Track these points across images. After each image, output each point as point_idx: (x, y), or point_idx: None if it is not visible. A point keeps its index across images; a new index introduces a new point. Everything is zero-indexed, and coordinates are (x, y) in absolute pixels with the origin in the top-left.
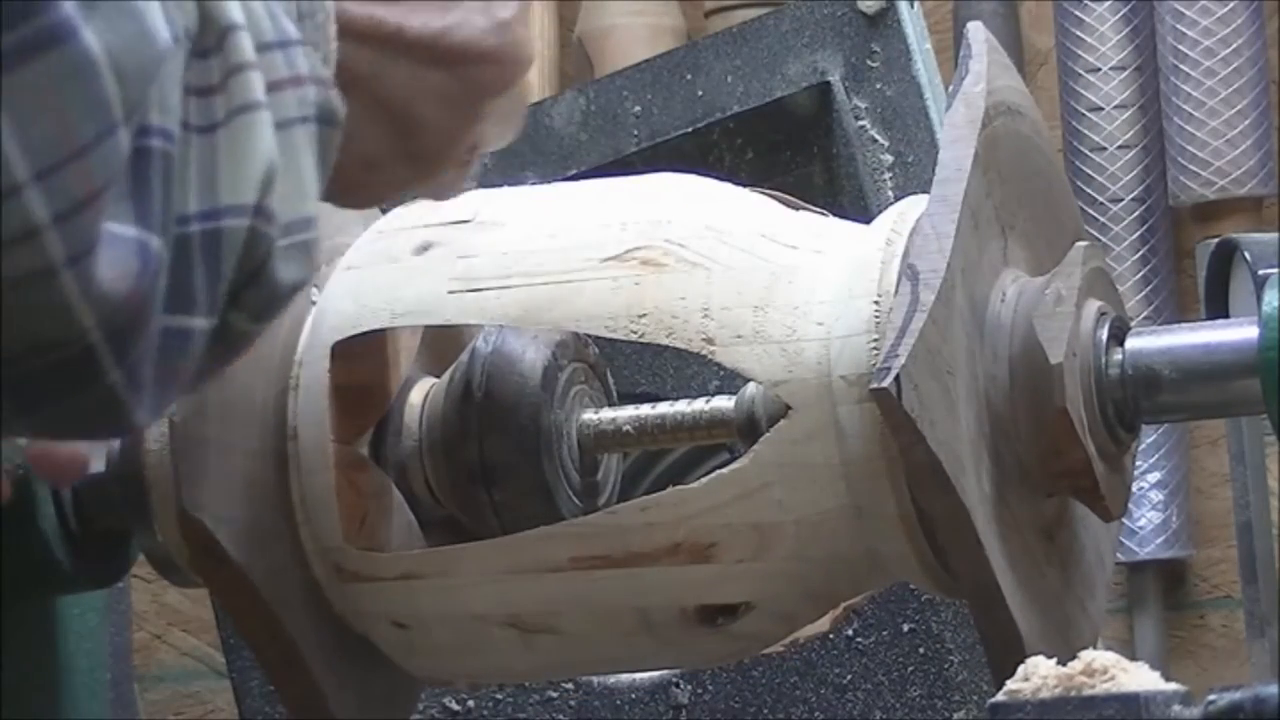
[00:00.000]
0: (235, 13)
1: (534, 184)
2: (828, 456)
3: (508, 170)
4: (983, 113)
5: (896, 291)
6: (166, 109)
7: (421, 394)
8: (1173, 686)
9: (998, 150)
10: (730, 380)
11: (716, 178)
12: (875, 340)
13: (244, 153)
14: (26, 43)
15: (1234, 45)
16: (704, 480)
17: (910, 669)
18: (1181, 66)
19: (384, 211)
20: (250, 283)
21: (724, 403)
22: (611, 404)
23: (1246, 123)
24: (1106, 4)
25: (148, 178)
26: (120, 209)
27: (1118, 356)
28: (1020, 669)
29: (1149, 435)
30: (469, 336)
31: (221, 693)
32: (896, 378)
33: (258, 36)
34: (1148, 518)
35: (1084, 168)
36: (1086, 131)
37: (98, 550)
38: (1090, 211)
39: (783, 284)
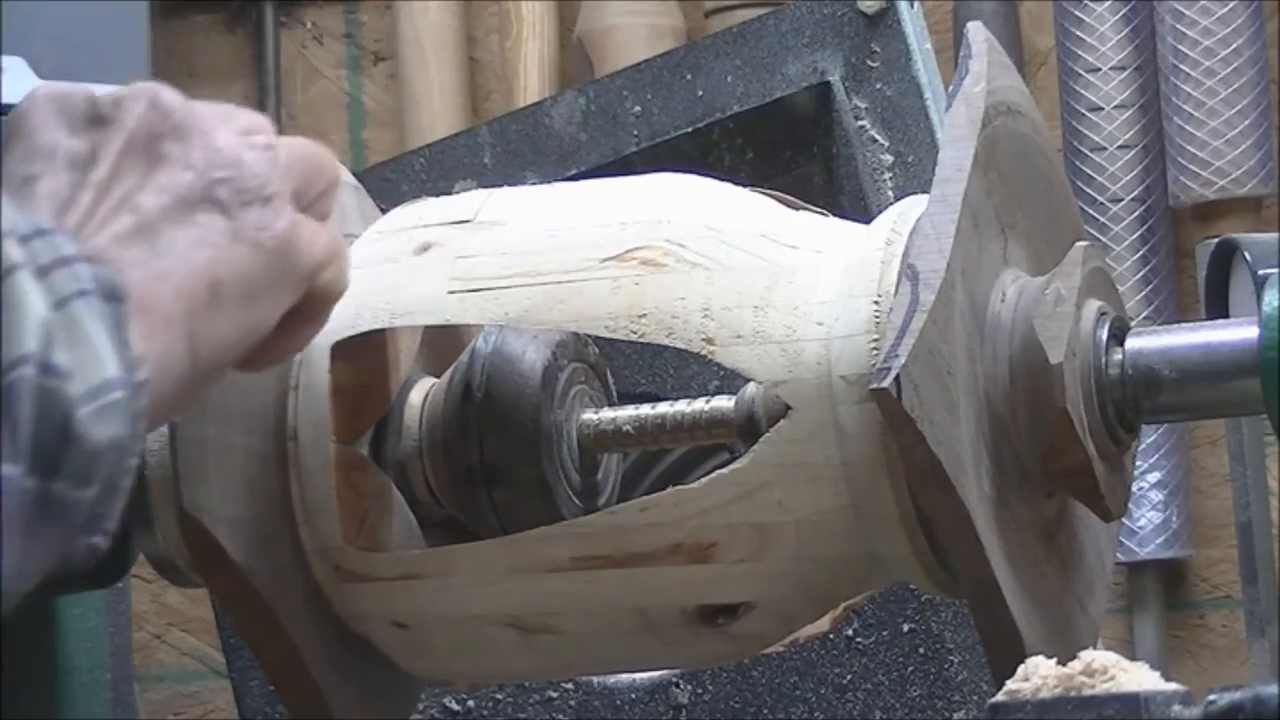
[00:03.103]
0: None
1: (534, 184)
2: (828, 456)
3: (508, 170)
4: (983, 113)
5: (896, 291)
6: None
7: (421, 394)
8: (1173, 686)
9: (998, 150)
10: (730, 380)
11: (716, 178)
12: (875, 340)
13: (11, 311)
14: None
15: (1234, 45)
16: (704, 480)
17: (910, 669)
18: (1181, 66)
19: (384, 211)
20: (60, 443)
21: (724, 403)
22: (611, 404)
23: (1246, 123)
24: (1106, 4)
25: None
26: None
27: (1118, 356)
28: (1020, 669)
29: (1149, 435)
30: (469, 336)
31: (221, 693)
32: (896, 378)
33: (10, 229)
34: (1148, 518)
35: (1084, 168)
36: (1086, 131)
37: None
38: (1090, 211)
39: (783, 284)
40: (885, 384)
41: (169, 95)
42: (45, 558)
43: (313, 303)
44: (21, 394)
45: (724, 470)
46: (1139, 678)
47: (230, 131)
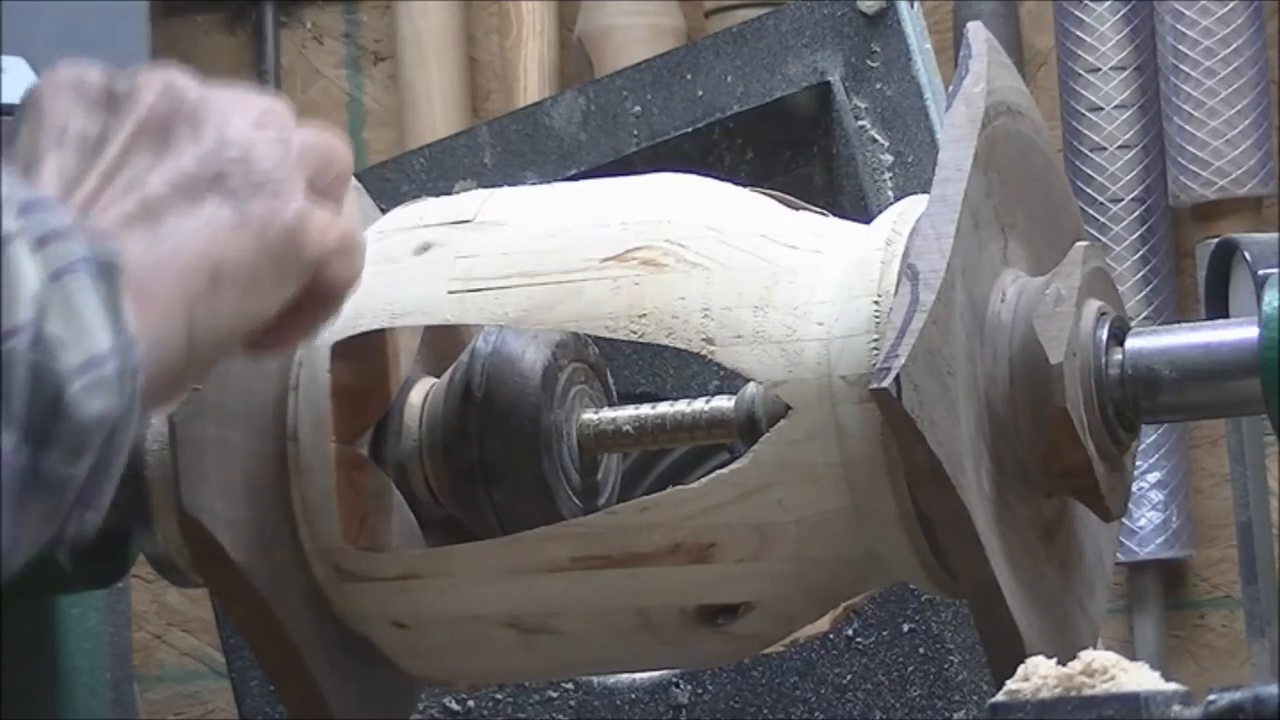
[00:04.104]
0: None
1: (534, 184)
2: (828, 456)
3: (508, 170)
4: (983, 113)
5: (896, 291)
6: None
7: (421, 394)
8: (1173, 686)
9: (998, 150)
10: (730, 380)
11: (716, 178)
12: (875, 340)
13: (7, 281)
14: None
15: (1234, 45)
16: (704, 480)
17: (910, 669)
18: (1181, 66)
19: (384, 211)
20: (51, 416)
21: (724, 403)
22: (611, 404)
23: (1246, 123)
24: (1106, 4)
25: None
26: None
27: (1118, 356)
28: (1020, 669)
29: (1149, 435)
30: (469, 336)
31: (221, 693)
32: (896, 378)
33: (9, 198)
34: (1148, 518)
35: (1084, 168)
36: (1086, 131)
37: (98, 550)
38: (1090, 211)
39: (783, 284)
40: (885, 384)
41: (184, 81)
42: (36, 532)
43: (320, 292)
44: (15, 365)
45: (724, 470)
46: (1139, 678)
47: (244, 119)
